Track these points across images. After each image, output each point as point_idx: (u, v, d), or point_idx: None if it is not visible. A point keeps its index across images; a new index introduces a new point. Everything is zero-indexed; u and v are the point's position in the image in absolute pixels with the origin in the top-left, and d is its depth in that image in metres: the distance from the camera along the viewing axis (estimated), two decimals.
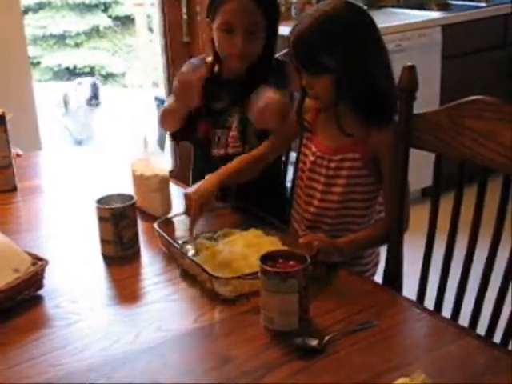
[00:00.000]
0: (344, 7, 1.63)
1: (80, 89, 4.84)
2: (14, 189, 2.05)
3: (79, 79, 4.89)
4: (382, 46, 1.66)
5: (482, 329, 1.53)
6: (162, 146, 4.63)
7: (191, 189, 1.72)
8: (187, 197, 1.70)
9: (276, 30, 1.99)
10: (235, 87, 1.98)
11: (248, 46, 1.91)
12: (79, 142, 5.13)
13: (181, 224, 1.69)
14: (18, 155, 2.35)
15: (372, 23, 1.66)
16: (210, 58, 2.05)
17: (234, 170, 1.82)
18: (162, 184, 1.79)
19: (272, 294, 1.30)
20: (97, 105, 4.90)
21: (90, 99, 4.81)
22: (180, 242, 1.63)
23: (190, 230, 1.67)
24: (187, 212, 1.69)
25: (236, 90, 1.97)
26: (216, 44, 1.96)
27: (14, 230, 1.73)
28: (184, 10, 3.63)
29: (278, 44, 2.03)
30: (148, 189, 1.78)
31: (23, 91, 3.27)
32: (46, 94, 4.48)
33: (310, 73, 1.63)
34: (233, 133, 1.98)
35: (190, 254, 1.58)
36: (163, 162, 1.84)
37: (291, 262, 1.34)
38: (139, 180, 1.80)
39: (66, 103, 4.80)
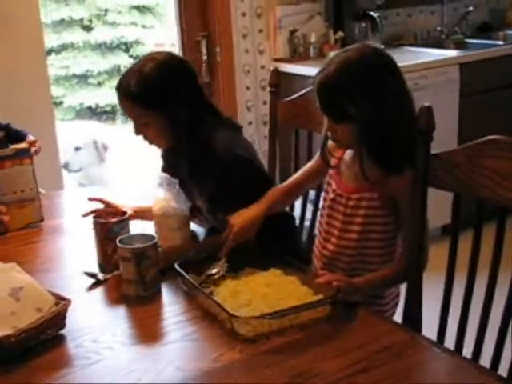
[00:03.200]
0: (370, 54, 1.64)
1: (78, 155, 4.74)
2: (42, 220, 2.11)
3: (76, 143, 4.75)
4: (406, 93, 1.66)
5: (503, 370, 1.52)
6: None
7: (236, 216, 1.73)
8: (230, 224, 1.71)
9: (174, 104, 1.83)
10: (188, 159, 1.92)
11: (146, 135, 1.89)
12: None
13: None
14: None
15: (397, 70, 1.66)
16: None
17: (278, 202, 1.83)
18: (182, 223, 1.81)
19: None
20: (99, 163, 4.79)
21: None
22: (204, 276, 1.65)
23: (221, 256, 1.68)
24: (224, 238, 1.71)
25: (189, 161, 1.92)
26: None
27: (38, 268, 1.75)
28: (204, 51, 3.70)
29: (296, 84, 2.04)
30: (168, 228, 1.80)
31: (46, 131, 3.32)
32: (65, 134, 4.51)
33: (333, 120, 1.64)
34: (207, 214, 1.98)
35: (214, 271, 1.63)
36: (184, 201, 1.84)
37: None
38: (160, 219, 1.82)
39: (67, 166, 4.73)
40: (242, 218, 1.73)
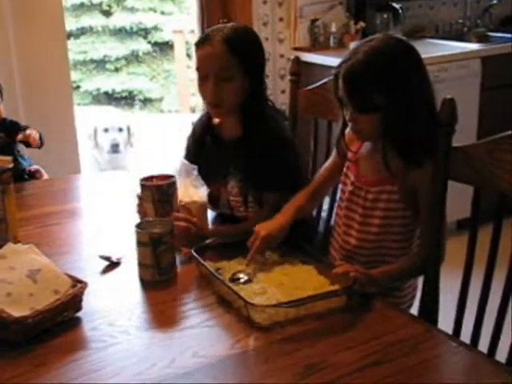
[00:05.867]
0: (396, 45, 1.63)
1: (106, 135, 4.72)
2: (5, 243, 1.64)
3: (106, 125, 4.72)
4: (429, 84, 1.65)
5: None
6: None
7: (261, 225, 1.69)
8: (256, 233, 1.67)
9: (261, 75, 1.91)
10: (232, 149, 1.93)
11: (221, 93, 1.83)
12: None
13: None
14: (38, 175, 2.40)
15: (421, 61, 1.65)
16: (215, 119, 2.00)
17: (300, 210, 1.80)
18: (200, 210, 1.81)
19: None
20: (119, 152, 4.78)
21: (113, 147, 4.70)
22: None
23: (247, 263, 1.64)
24: (250, 244, 1.67)
25: (233, 152, 1.93)
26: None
27: (55, 251, 1.75)
28: None
29: (316, 73, 2.03)
30: (187, 214, 1.79)
31: (65, 115, 3.33)
32: (82, 120, 4.50)
33: (358, 109, 1.62)
34: (234, 198, 1.96)
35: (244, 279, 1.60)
36: (203, 188, 1.84)
37: None
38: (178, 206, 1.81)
39: (95, 136, 4.72)
40: (268, 225, 1.70)
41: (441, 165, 1.61)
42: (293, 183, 1.88)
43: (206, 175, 1.87)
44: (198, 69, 1.87)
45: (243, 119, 1.91)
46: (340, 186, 1.83)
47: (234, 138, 1.94)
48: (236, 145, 1.92)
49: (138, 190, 1.80)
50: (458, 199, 2.01)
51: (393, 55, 1.60)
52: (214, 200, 1.97)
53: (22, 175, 2.48)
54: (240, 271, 1.62)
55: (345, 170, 1.80)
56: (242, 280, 1.59)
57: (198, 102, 4.58)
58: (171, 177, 1.78)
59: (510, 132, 1.50)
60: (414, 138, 1.61)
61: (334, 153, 1.85)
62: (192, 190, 1.81)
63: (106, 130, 4.69)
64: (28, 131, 2.43)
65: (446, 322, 1.63)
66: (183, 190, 1.81)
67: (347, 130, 1.74)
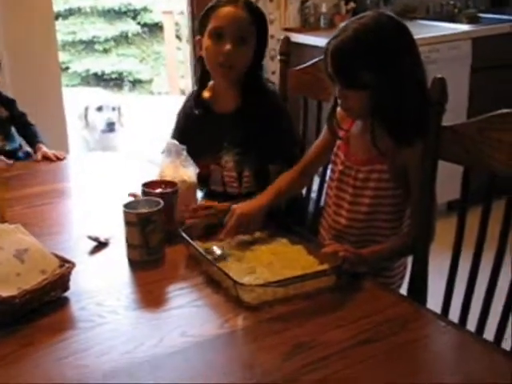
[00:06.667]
0: (387, 22, 1.61)
1: (99, 114, 4.68)
2: None
3: (99, 103, 4.68)
4: (420, 63, 1.64)
5: (507, 343, 1.52)
6: None
7: (240, 204, 1.70)
8: (232, 209, 1.68)
9: (265, 44, 1.97)
10: (227, 123, 1.94)
11: (237, 53, 1.87)
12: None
13: None
14: (44, 157, 2.38)
15: (412, 40, 1.64)
16: (206, 93, 2.01)
17: (283, 191, 1.80)
18: (189, 190, 1.80)
19: None
20: (115, 130, 4.74)
21: (109, 125, 4.65)
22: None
23: (219, 239, 1.66)
24: (226, 223, 1.68)
25: (228, 126, 1.93)
26: (205, 56, 1.92)
27: (43, 232, 1.74)
28: None
29: (307, 54, 2.04)
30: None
31: (53, 96, 3.31)
32: (71, 101, 4.45)
33: (346, 85, 1.62)
34: (228, 173, 1.96)
35: (217, 253, 1.60)
36: (192, 168, 1.82)
37: None
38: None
39: (86, 116, 4.68)
40: (246, 204, 1.71)
41: (431, 144, 1.60)
42: (293, 154, 1.91)
43: (198, 151, 1.86)
44: (215, 28, 1.88)
45: (244, 90, 1.93)
46: (330, 165, 1.82)
47: (229, 112, 1.94)
48: (232, 118, 1.93)
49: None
50: (449, 181, 2.01)
51: (383, 32, 1.59)
52: (204, 177, 1.96)
53: (15, 154, 2.49)
54: (215, 245, 1.63)
55: (335, 149, 1.79)
56: (216, 254, 1.59)
57: (188, 83, 4.55)
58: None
59: (502, 111, 1.50)
60: (404, 118, 1.61)
61: (324, 130, 1.85)
62: (181, 170, 1.80)
63: (100, 109, 4.64)
64: (44, 149, 2.43)
65: (434, 302, 1.63)
66: (173, 170, 1.80)
67: (338, 108, 1.73)
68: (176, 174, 1.80)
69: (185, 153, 1.81)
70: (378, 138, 1.64)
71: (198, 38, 1.96)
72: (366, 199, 1.70)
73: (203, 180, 1.96)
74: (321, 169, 2.06)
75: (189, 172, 1.81)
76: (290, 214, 1.86)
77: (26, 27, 3.16)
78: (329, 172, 1.84)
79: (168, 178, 1.78)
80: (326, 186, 1.90)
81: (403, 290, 1.73)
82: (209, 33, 1.89)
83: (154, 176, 1.82)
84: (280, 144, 1.91)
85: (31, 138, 2.52)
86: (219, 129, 1.94)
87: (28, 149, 2.54)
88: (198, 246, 1.61)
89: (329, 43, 1.62)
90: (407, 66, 1.60)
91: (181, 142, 1.83)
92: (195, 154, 1.84)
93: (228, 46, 1.86)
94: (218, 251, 1.61)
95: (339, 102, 1.67)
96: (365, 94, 1.60)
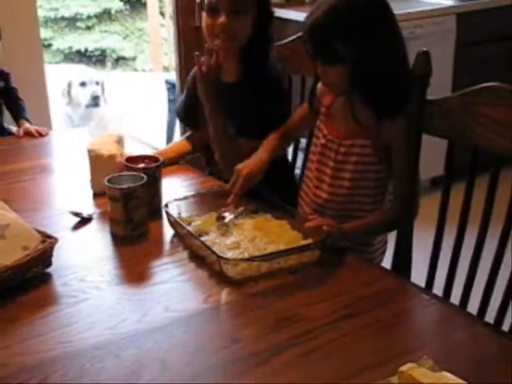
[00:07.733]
0: None
1: (83, 89, 4.63)
2: None
3: (83, 78, 4.65)
4: (399, 37, 1.64)
5: (490, 317, 1.53)
6: (170, 132, 4.58)
7: (241, 165, 1.73)
8: (236, 172, 1.71)
9: (267, 14, 1.93)
10: (227, 93, 1.93)
11: (232, 25, 1.85)
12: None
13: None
14: (26, 132, 2.36)
15: (391, 13, 1.63)
16: None
17: (277, 146, 1.85)
18: (108, 161, 1.83)
19: None
20: (99, 105, 4.70)
21: (94, 99, 4.61)
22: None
23: (229, 203, 1.67)
24: (231, 187, 1.70)
25: (228, 96, 1.92)
26: (203, 30, 1.91)
27: (24, 207, 1.72)
28: None
29: (291, 29, 2.02)
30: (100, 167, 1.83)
31: (35, 73, 3.27)
32: (54, 77, 4.39)
33: (324, 61, 1.61)
34: None
35: (195, 224, 1.60)
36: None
37: None
38: (94, 161, 1.86)
39: (69, 92, 4.64)
40: (249, 163, 1.74)
41: (415, 118, 1.60)
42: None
43: (202, 118, 1.92)
44: (209, 2, 1.86)
45: (246, 59, 1.92)
46: (313, 139, 1.82)
47: (231, 82, 1.95)
48: (231, 88, 1.93)
49: None
50: (433, 157, 2.02)
51: (355, 6, 1.58)
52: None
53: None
54: (226, 210, 1.63)
55: (318, 122, 1.79)
56: (226, 220, 1.60)
57: (171, 61, 4.51)
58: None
59: (486, 84, 1.50)
60: (383, 88, 1.60)
61: (304, 104, 1.85)
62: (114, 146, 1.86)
63: (83, 84, 4.60)
64: (26, 125, 2.43)
65: (418, 277, 1.64)
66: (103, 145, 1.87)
67: (319, 85, 1.73)
68: (105, 149, 1.85)
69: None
70: (359, 111, 1.64)
71: (201, 13, 1.95)
72: (347, 173, 1.70)
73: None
74: (305, 145, 2.05)
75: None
76: (279, 175, 1.90)
77: (6, 2, 3.12)
78: (312, 146, 1.83)
79: (93, 154, 1.85)
80: (307, 159, 1.89)
81: (387, 265, 1.73)
82: (205, 8, 1.89)
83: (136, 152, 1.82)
84: (275, 123, 1.90)
85: (18, 113, 2.52)
86: (222, 97, 1.94)
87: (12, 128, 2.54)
88: (182, 220, 1.60)
89: (305, 22, 1.62)
90: (382, 35, 1.59)
91: (190, 105, 1.92)
92: (201, 121, 1.91)
93: (222, 19, 1.85)
94: (231, 216, 1.62)
95: (321, 78, 1.66)
96: (344, 69, 1.59)
